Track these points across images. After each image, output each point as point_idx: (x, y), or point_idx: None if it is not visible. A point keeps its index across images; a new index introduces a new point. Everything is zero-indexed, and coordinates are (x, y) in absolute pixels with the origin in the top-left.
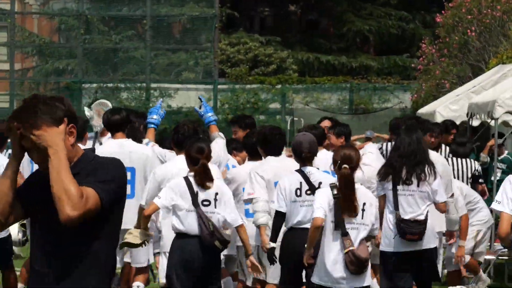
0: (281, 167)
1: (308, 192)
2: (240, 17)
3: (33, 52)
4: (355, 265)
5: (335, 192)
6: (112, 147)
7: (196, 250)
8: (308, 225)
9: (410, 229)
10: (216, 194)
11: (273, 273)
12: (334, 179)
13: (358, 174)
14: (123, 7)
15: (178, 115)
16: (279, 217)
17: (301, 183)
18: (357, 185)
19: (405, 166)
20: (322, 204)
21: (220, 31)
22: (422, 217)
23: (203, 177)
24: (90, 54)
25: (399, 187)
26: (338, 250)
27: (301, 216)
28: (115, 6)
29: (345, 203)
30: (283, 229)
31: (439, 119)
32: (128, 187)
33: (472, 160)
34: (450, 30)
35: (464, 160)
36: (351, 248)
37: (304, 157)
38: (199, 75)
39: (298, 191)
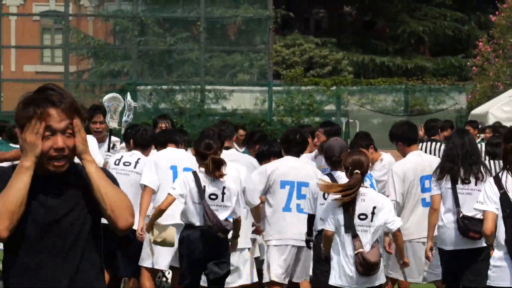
0: (296, 167)
1: None
2: (295, 19)
3: (88, 54)
4: (363, 267)
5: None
6: (170, 152)
7: (199, 240)
8: None
9: (474, 227)
10: (224, 188)
11: (276, 270)
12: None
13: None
14: (177, 9)
15: (232, 116)
16: (310, 218)
17: None
18: (367, 190)
19: (462, 166)
20: (328, 215)
21: (274, 33)
22: (481, 216)
23: (214, 171)
24: (145, 56)
25: (458, 186)
26: (350, 251)
27: None
28: (169, 8)
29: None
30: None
31: (491, 120)
32: None
33: None
34: (504, 31)
35: (500, 161)
36: (360, 250)
37: (334, 161)
38: (254, 76)
39: (326, 194)
